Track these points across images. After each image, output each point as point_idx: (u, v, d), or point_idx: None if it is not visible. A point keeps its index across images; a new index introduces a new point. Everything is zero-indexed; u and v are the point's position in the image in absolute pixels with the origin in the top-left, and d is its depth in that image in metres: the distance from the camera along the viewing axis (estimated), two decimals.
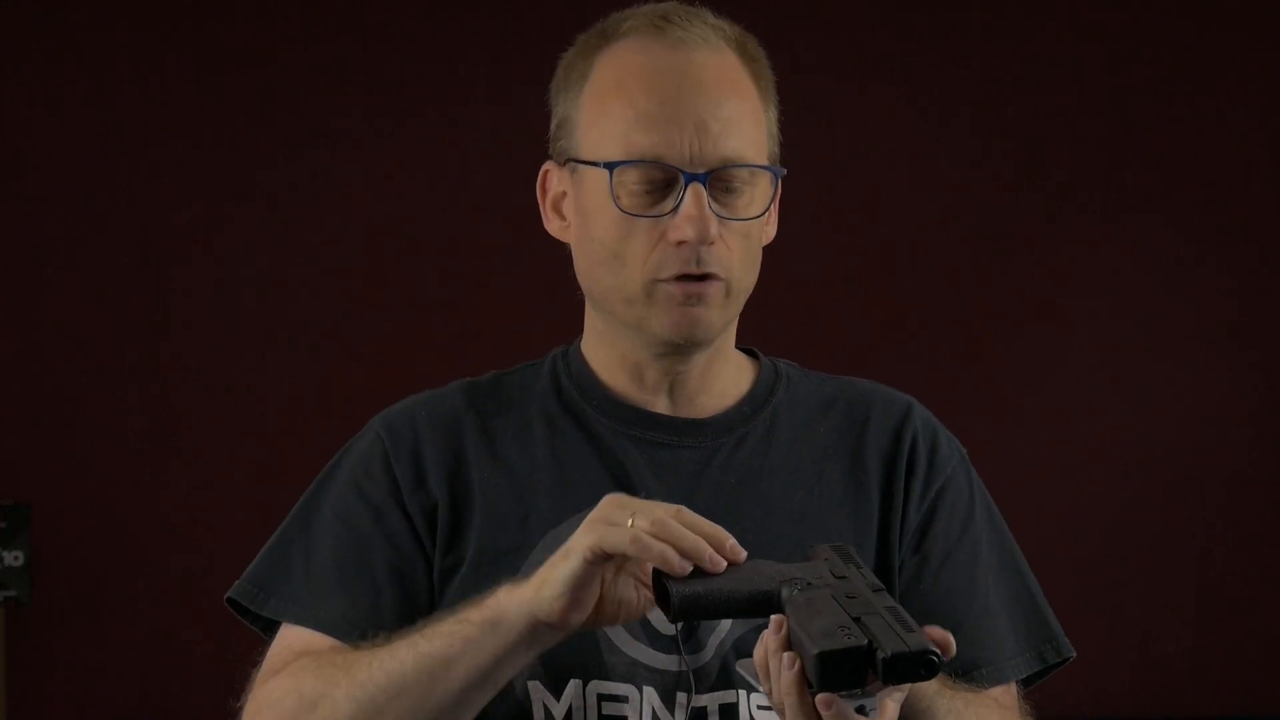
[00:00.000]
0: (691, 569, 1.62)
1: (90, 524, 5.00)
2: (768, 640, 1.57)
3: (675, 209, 1.78)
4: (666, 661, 1.80)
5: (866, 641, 1.50)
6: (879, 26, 5.15)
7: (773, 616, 1.57)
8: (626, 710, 1.79)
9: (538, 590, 1.66)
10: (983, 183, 5.16)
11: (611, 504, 1.66)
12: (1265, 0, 5.15)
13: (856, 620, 1.53)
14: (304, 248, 5.07)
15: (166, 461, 5.03)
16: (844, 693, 1.51)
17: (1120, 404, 5.14)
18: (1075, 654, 1.89)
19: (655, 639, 1.80)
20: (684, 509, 1.64)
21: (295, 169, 5.07)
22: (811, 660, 1.50)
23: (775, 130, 1.87)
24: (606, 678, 1.80)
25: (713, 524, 1.63)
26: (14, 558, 4.82)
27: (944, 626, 1.72)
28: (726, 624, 1.80)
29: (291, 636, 1.85)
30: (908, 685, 1.53)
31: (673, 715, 1.79)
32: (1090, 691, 5.09)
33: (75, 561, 4.99)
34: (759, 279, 1.86)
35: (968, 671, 1.78)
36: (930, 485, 1.86)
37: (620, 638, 1.80)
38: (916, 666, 1.49)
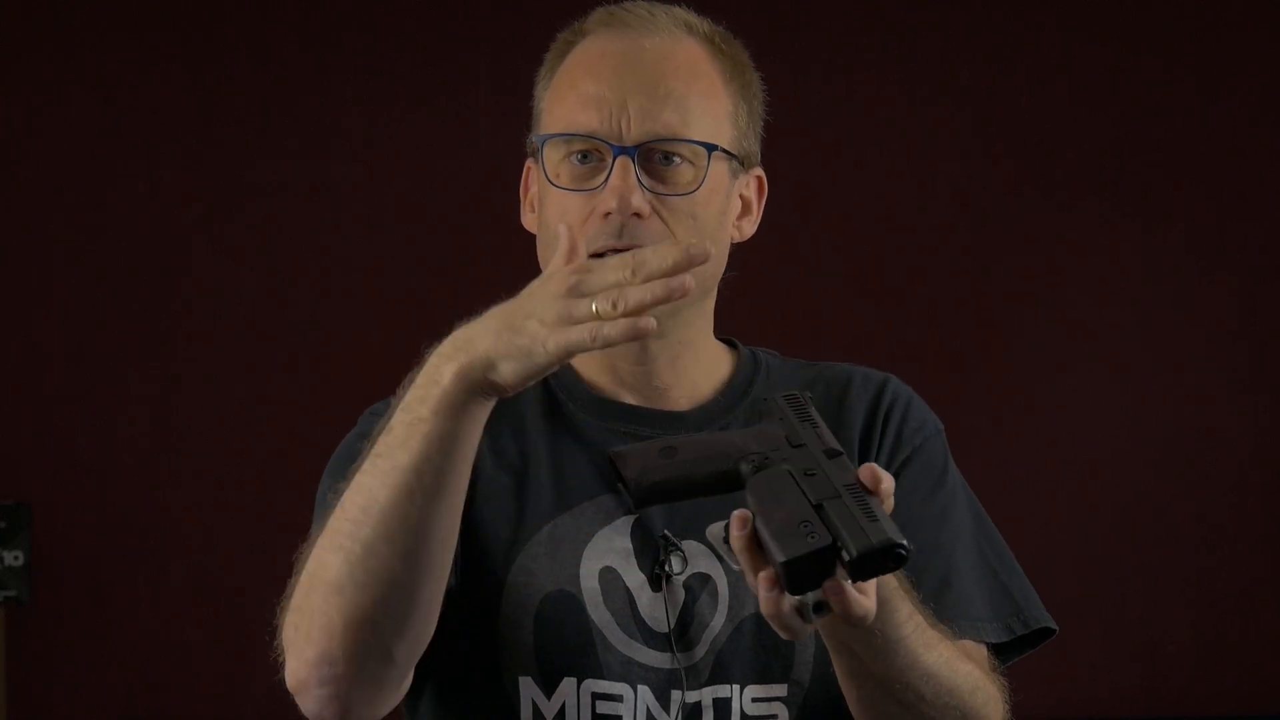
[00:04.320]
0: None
1: (90, 524, 5.00)
2: (734, 539, 1.54)
3: (605, 182, 1.80)
4: (660, 659, 1.80)
5: (831, 540, 1.48)
6: (880, 27, 5.15)
7: (735, 514, 1.54)
8: (621, 709, 1.79)
9: (492, 365, 1.61)
10: (984, 184, 5.15)
11: (568, 284, 1.59)
12: (1268, 1, 5.14)
13: (818, 508, 1.50)
14: (304, 248, 5.07)
15: (166, 461, 5.03)
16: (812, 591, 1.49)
17: (1122, 405, 5.14)
18: (1053, 626, 1.86)
19: (650, 638, 1.80)
20: (639, 254, 1.59)
21: (294, 169, 5.07)
22: (779, 569, 1.48)
23: (747, 125, 1.86)
24: (601, 676, 1.80)
25: (667, 249, 1.59)
26: (14, 558, 4.82)
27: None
28: (719, 621, 1.81)
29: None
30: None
31: (667, 713, 1.79)
32: (1093, 690, 5.09)
33: (75, 561, 4.98)
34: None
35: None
36: (896, 455, 1.86)
37: (616, 636, 1.80)
38: (885, 560, 1.47)
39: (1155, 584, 5.13)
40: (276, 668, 1.77)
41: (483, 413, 1.64)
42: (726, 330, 1.92)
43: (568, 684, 1.79)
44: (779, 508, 1.51)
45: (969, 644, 1.80)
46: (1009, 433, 5.10)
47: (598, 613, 1.80)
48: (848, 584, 1.49)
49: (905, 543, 1.47)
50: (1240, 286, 5.15)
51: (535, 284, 1.63)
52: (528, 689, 1.79)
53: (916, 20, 5.14)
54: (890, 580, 1.62)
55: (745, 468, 1.58)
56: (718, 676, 1.80)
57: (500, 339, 1.61)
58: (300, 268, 5.06)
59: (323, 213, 5.07)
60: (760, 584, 1.51)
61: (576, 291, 1.58)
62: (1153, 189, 5.15)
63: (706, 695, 1.80)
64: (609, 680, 1.80)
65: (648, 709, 1.79)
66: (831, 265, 5.13)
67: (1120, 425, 5.13)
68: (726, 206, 1.85)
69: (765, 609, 1.51)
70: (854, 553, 1.46)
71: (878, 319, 5.12)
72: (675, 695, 1.79)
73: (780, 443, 1.59)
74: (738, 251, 1.88)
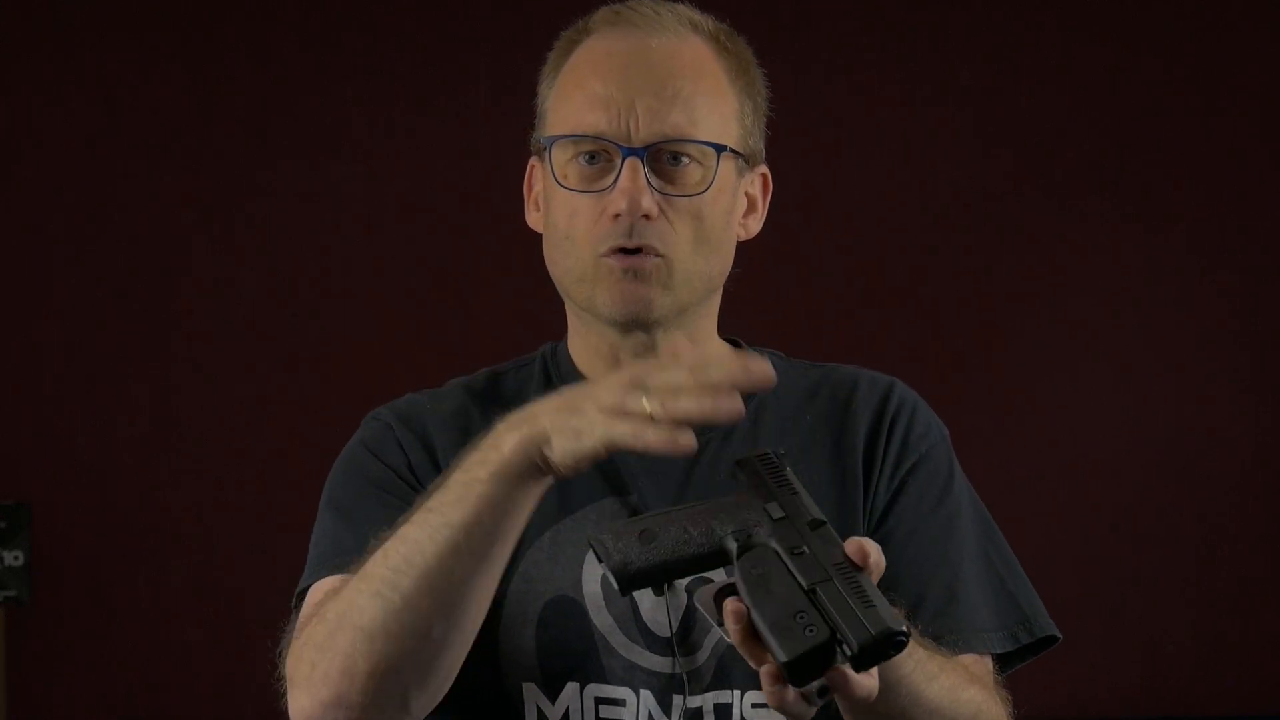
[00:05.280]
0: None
1: (90, 524, 5.00)
2: (731, 633, 1.55)
3: (614, 184, 1.79)
4: (662, 664, 1.80)
5: (830, 634, 1.49)
6: (880, 27, 5.15)
7: (728, 608, 1.54)
8: (623, 713, 1.79)
9: (547, 440, 1.61)
10: (984, 184, 5.15)
11: (628, 381, 1.59)
12: (1268, 1, 5.15)
13: (811, 594, 1.51)
14: (304, 248, 5.07)
15: (166, 461, 5.03)
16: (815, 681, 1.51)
17: (1123, 405, 5.14)
18: (1057, 634, 1.86)
19: (652, 642, 1.80)
20: (703, 362, 1.59)
21: (294, 170, 5.07)
22: (780, 667, 1.50)
23: (752, 123, 1.86)
24: (604, 680, 1.79)
25: (733, 368, 1.58)
26: (14, 558, 4.82)
27: (907, 597, 1.74)
28: None
29: (318, 590, 1.78)
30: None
31: (669, 717, 1.79)
32: (1093, 690, 5.09)
33: (75, 561, 4.99)
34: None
35: (936, 640, 1.77)
36: (902, 462, 1.86)
37: (618, 640, 1.80)
38: (885, 648, 1.48)
39: (1155, 584, 5.13)
40: (276, 668, 1.77)
41: (538, 489, 1.64)
42: (727, 329, 1.92)
43: (571, 689, 1.79)
44: (770, 597, 1.52)
45: (972, 656, 1.80)
46: (1010, 433, 5.10)
47: (600, 617, 1.80)
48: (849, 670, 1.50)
49: (905, 629, 1.48)
50: (1240, 286, 5.15)
51: (613, 372, 1.64)
52: (531, 694, 1.79)
53: (916, 20, 5.14)
54: None
55: (730, 545, 1.58)
56: (719, 682, 1.80)
57: (558, 416, 1.60)
58: (300, 268, 5.06)
59: (323, 213, 5.07)
60: (763, 678, 1.52)
61: (638, 385, 1.58)
62: (1153, 189, 5.15)
63: (708, 700, 1.79)
64: (612, 685, 1.79)
65: (649, 713, 1.79)
66: (831, 265, 5.13)
67: (1120, 425, 5.13)
68: (733, 205, 1.85)
69: (770, 700, 1.52)
70: (854, 648, 1.47)
71: (878, 319, 5.12)
72: (677, 700, 1.79)
73: (761, 514, 1.59)
74: (739, 250, 1.88)
